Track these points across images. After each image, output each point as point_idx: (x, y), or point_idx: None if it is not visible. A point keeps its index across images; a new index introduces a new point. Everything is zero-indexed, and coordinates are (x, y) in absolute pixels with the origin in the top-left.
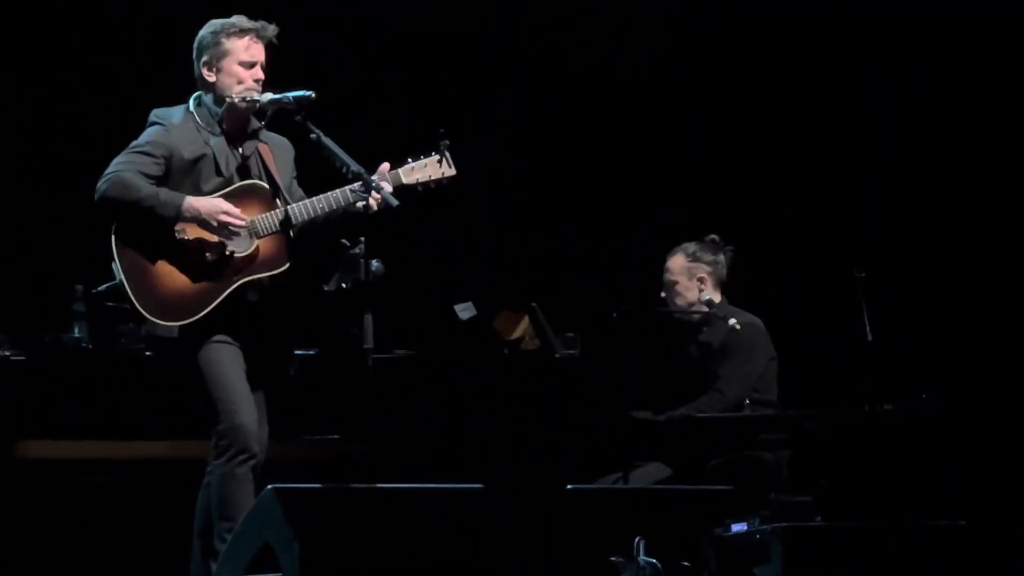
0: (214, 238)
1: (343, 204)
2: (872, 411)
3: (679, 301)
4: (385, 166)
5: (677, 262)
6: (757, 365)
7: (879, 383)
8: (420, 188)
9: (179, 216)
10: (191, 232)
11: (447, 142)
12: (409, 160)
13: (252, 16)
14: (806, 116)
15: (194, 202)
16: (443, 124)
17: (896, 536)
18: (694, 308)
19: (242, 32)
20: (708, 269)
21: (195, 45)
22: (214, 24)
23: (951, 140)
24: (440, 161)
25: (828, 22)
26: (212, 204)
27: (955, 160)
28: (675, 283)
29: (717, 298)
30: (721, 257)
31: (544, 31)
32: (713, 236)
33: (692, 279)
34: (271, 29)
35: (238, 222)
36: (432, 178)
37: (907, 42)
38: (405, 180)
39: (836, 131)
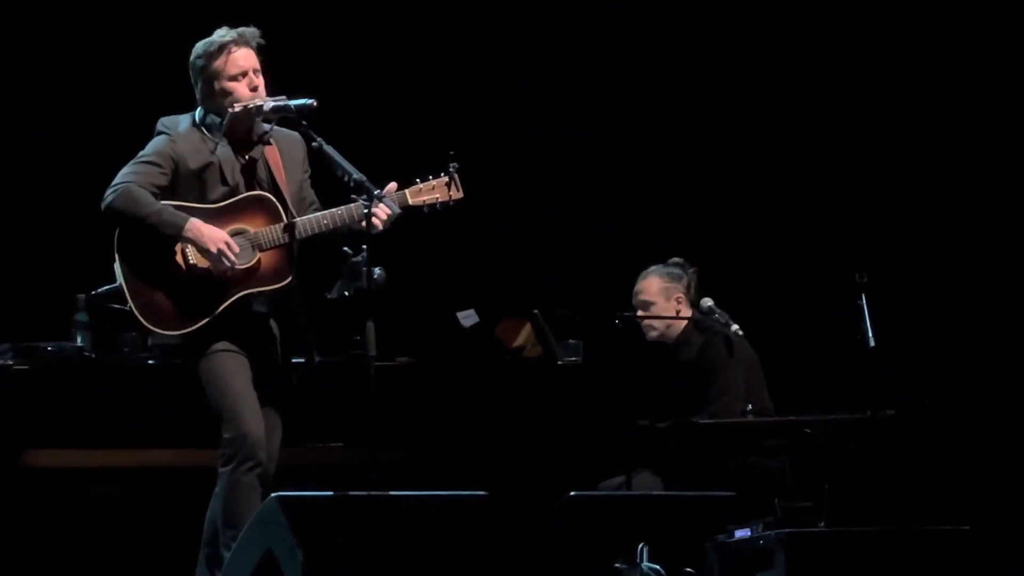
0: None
1: (347, 222)
2: (875, 416)
3: (657, 324)
4: (392, 186)
5: (654, 284)
6: (740, 373)
7: (882, 388)
8: (426, 210)
9: (180, 236)
10: (192, 252)
11: (456, 164)
12: (417, 180)
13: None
14: (810, 118)
15: (198, 226)
16: (444, 131)
17: (900, 541)
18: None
19: (221, 48)
20: (682, 289)
21: (189, 72)
22: (197, 48)
23: (952, 141)
24: (448, 184)
25: (810, 37)
26: (214, 234)
27: (955, 163)
28: (652, 304)
29: (687, 313)
30: (689, 277)
31: (546, 47)
32: (676, 258)
33: (670, 300)
34: (250, 32)
35: (233, 259)
36: (439, 200)
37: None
38: (411, 201)
39: (834, 134)
